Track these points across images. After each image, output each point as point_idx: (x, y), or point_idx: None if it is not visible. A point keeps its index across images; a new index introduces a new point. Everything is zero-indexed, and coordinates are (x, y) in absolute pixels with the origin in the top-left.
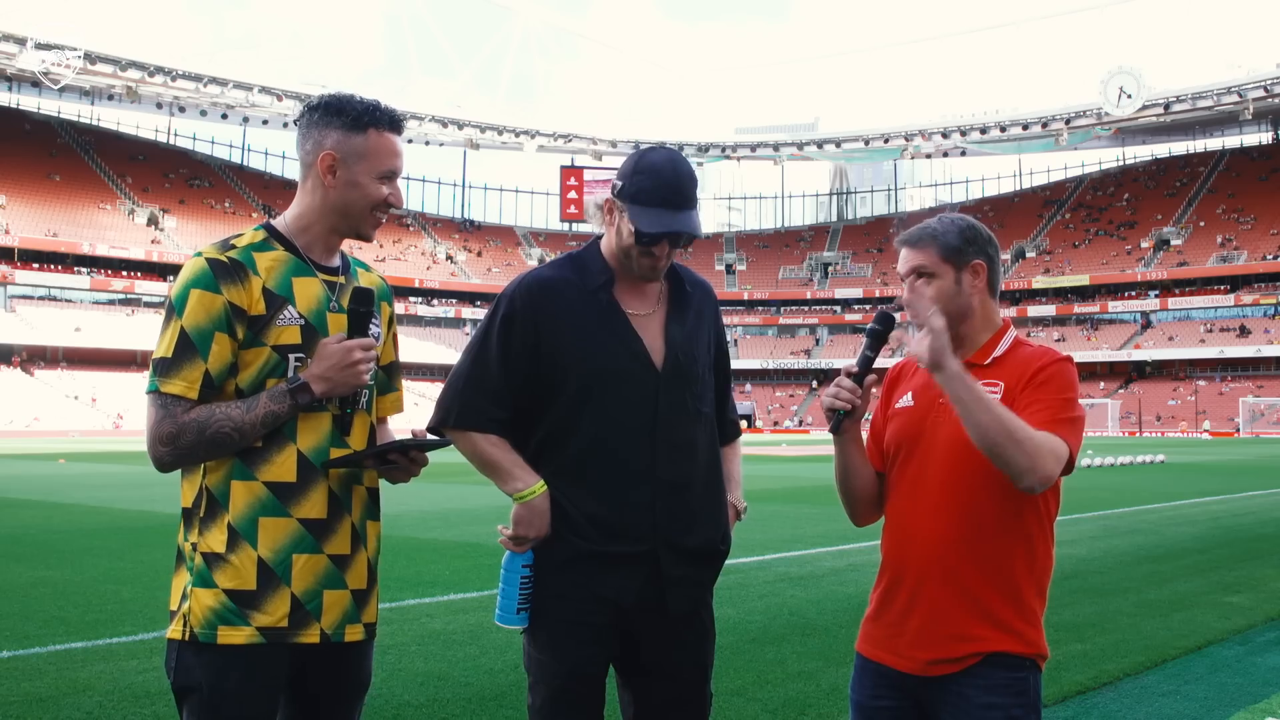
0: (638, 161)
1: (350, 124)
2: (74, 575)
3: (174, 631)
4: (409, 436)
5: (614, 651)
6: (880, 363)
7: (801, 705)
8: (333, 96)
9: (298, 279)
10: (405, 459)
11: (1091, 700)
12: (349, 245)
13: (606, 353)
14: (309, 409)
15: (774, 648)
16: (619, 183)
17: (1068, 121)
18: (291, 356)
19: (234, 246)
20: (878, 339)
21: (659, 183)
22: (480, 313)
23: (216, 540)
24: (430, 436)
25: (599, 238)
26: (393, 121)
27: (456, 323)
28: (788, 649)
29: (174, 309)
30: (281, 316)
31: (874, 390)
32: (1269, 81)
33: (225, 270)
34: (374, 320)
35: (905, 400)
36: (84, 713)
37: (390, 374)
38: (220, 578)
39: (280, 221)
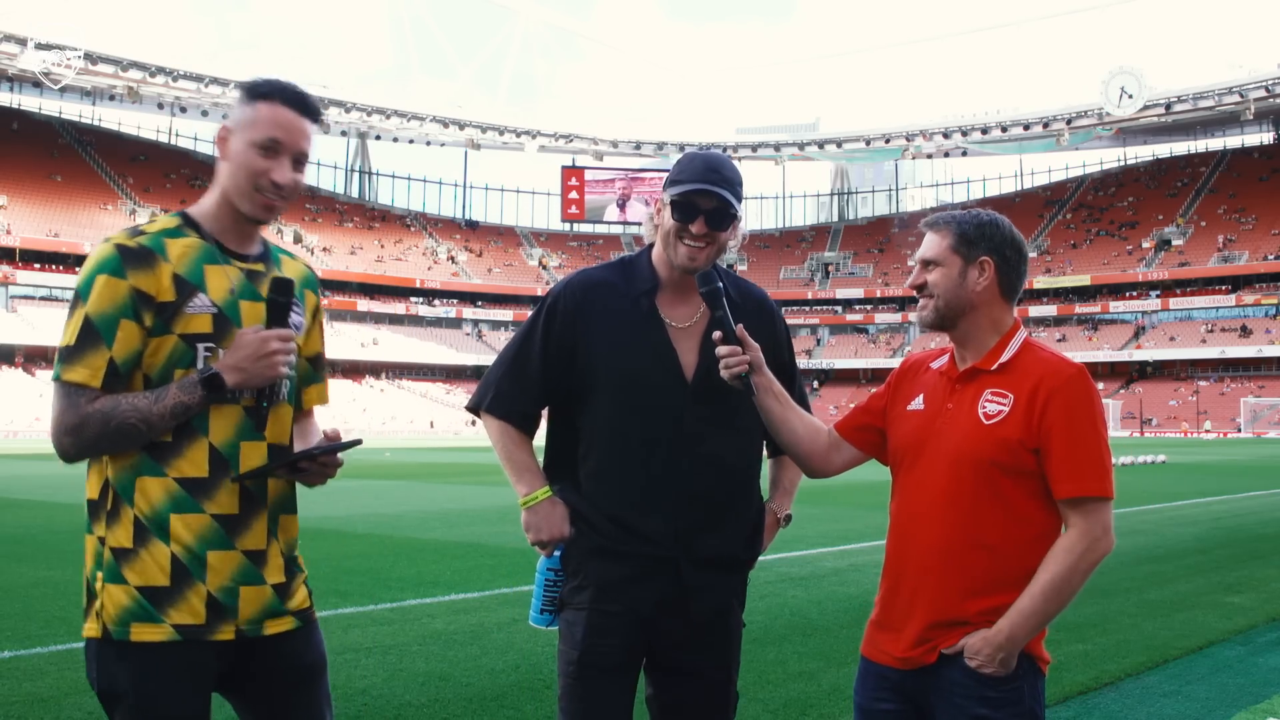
0: (679, 159)
1: (245, 97)
2: (75, 575)
3: (89, 629)
4: (321, 440)
5: (635, 644)
6: (883, 362)
7: (803, 705)
8: (251, 79)
9: (210, 266)
10: (316, 464)
11: (1093, 700)
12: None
13: (636, 358)
14: (222, 401)
15: (775, 648)
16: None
17: (1069, 121)
18: (201, 346)
19: (144, 232)
20: (715, 298)
21: (694, 163)
22: (482, 313)
23: (124, 535)
24: (342, 440)
25: (651, 246)
26: (288, 95)
27: (457, 323)
28: (789, 649)
29: (79, 296)
30: (191, 304)
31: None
32: (1270, 81)
33: (132, 255)
34: (296, 309)
35: (916, 403)
36: (85, 713)
37: (316, 365)
38: (130, 574)
39: (196, 208)
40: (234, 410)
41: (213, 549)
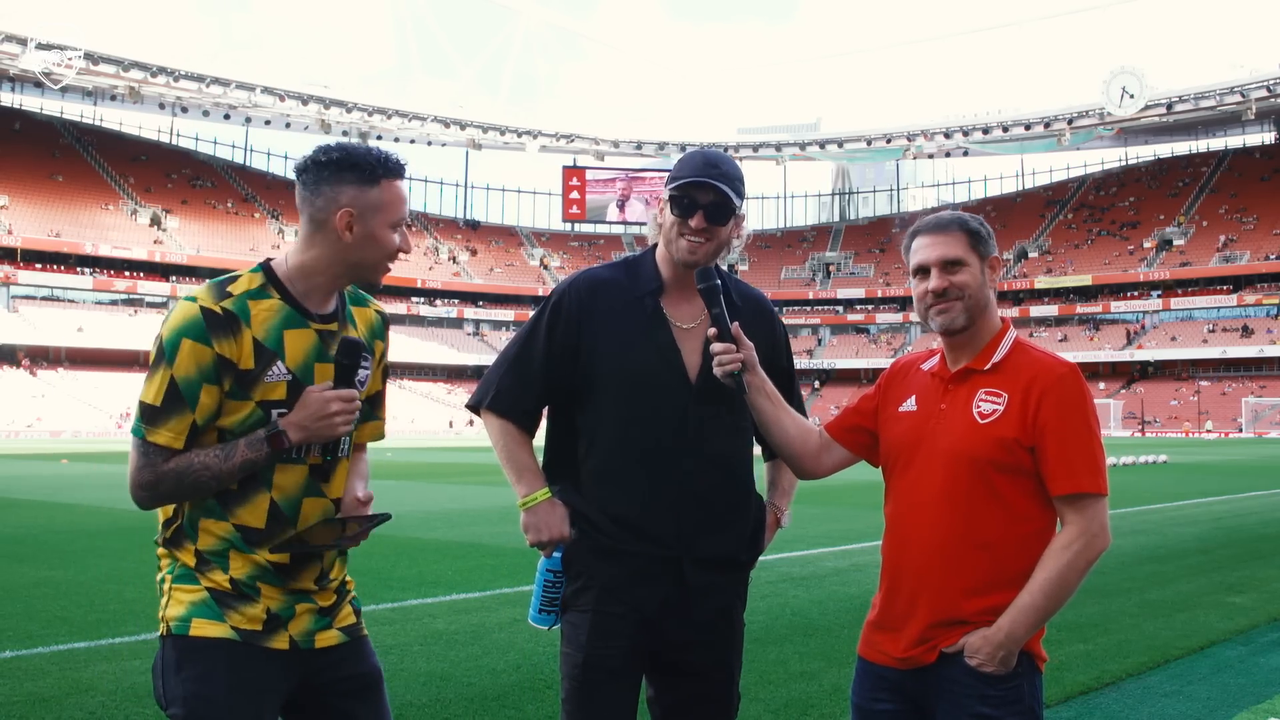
0: (680, 157)
1: (364, 178)
2: (77, 575)
3: (160, 628)
4: (357, 509)
5: (639, 645)
6: (884, 363)
7: (804, 705)
8: (341, 149)
9: (290, 331)
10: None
11: (1094, 700)
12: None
13: (641, 358)
14: (289, 460)
15: (776, 648)
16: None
17: (1070, 121)
18: (275, 411)
19: (230, 295)
20: (713, 294)
21: (693, 159)
22: (483, 313)
23: (189, 558)
24: (367, 513)
25: (654, 246)
26: (400, 169)
27: (458, 323)
28: (790, 649)
29: (164, 354)
30: (270, 373)
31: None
32: (1271, 81)
33: (218, 322)
34: (365, 364)
35: (908, 404)
36: (87, 713)
37: (374, 404)
38: (201, 578)
39: (280, 265)
40: (299, 469)
41: (264, 582)
